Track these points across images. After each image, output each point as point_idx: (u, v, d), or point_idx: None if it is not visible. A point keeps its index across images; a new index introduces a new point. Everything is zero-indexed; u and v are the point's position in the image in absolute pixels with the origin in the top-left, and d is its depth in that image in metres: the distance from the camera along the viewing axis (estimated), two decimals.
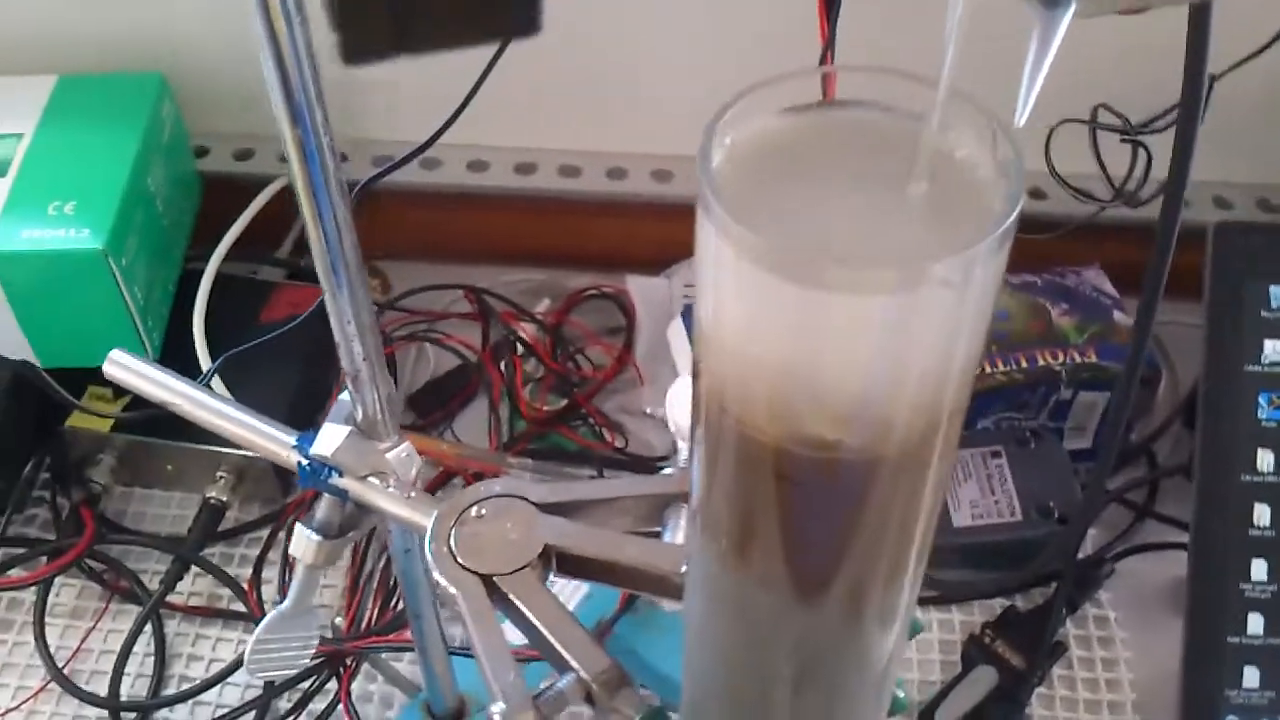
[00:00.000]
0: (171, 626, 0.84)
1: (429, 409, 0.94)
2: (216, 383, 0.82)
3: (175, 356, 0.87)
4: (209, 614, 0.84)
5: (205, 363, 0.84)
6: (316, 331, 0.96)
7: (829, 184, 0.31)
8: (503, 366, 0.93)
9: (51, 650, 0.82)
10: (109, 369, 0.60)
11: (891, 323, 0.30)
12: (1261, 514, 0.72)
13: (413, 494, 0.54)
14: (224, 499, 0.86)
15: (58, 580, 0.85)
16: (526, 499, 0.53)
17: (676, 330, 0.92)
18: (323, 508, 0.56)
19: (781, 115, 0.32)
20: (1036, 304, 0.89)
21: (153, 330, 0.86)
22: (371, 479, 0.55)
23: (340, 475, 0.55)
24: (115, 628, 0.84)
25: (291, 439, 0.56)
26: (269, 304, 0.95)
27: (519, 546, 0.51)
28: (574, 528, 0.52)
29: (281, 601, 0.61)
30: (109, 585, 0.85)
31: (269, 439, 0.57)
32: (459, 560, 0.51)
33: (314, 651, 0.63)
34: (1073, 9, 0.30)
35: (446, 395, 0.94)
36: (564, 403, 0.92)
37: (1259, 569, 0.72)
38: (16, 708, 0.80)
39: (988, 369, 0.85)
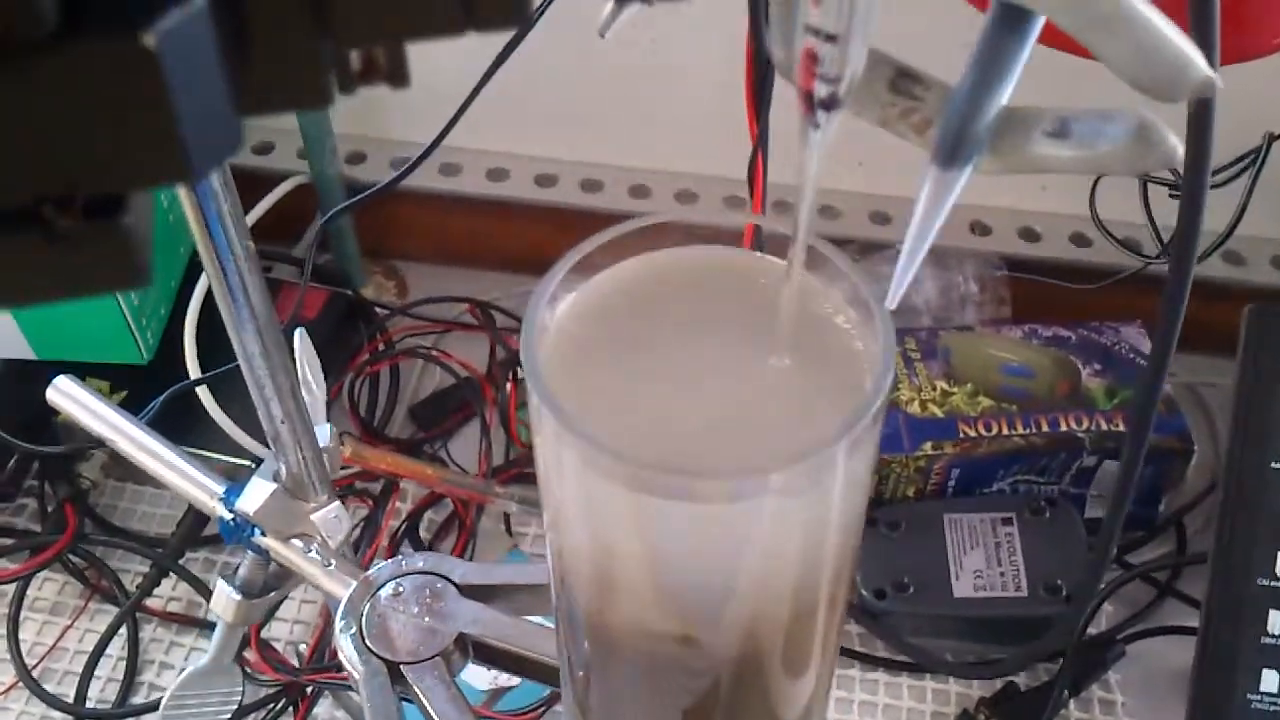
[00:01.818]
0: (148, 631, 0.83)
1: (430, 422, 0.91)
2: (205, 393, 0.81)
3: (171, 358, 0.86)
4: (185, 621, 0.83)
5: (193, 367, 0.82)
6: (324, 336, 0.95)
7: (683, 351, 0.28)
8: (504, 385, 0.90)
9: (28, 646, 0.81)
10: (52, 395, 0.59)
11: (730, 532, 0.26)
12: (1277, 622, 0.66)
13: (332, 563, 0.51)
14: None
15: (41, 575, 0.84)
16: (449, 579, 0.50)
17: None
18: (246, 565, 0.54)
19: (634, 264, 0.28)
20: (1066, 361, 0.84)
21: (147, 329, 0.84)
22: (295, 540, 0.52)
23: (264, 534, 0.52)
24: (93, 628, 0.83)
25: (220, 489, 0.54)
26: (276, 304, 0.93)
27: (431, 633, 0.48)
28: (493, 616, 0.49)
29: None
30: (90, 584, 0.84)
31: (198, 486, 0.55)
32: (367, 643, 0.48)
33: (235, 709, 0.61)
34: (968, 172, 0.26)
35: (448, 410, 0.91)
36: None
37: (1270, 680, 0.66)
38: None
39: (1005, 430, 0.80)
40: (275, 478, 0.52)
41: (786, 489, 0.24)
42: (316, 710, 0.77)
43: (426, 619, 0.49)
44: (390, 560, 0.51)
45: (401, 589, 0.50)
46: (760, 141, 0.36)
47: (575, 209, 0.95)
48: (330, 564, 0.51)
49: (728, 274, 0.29)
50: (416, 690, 0.47)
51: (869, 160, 0.90)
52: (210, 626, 0.83)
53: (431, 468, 0.82)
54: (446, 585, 0.50)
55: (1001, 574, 0.78)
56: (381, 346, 0.93)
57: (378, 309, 0.96)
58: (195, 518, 0.84)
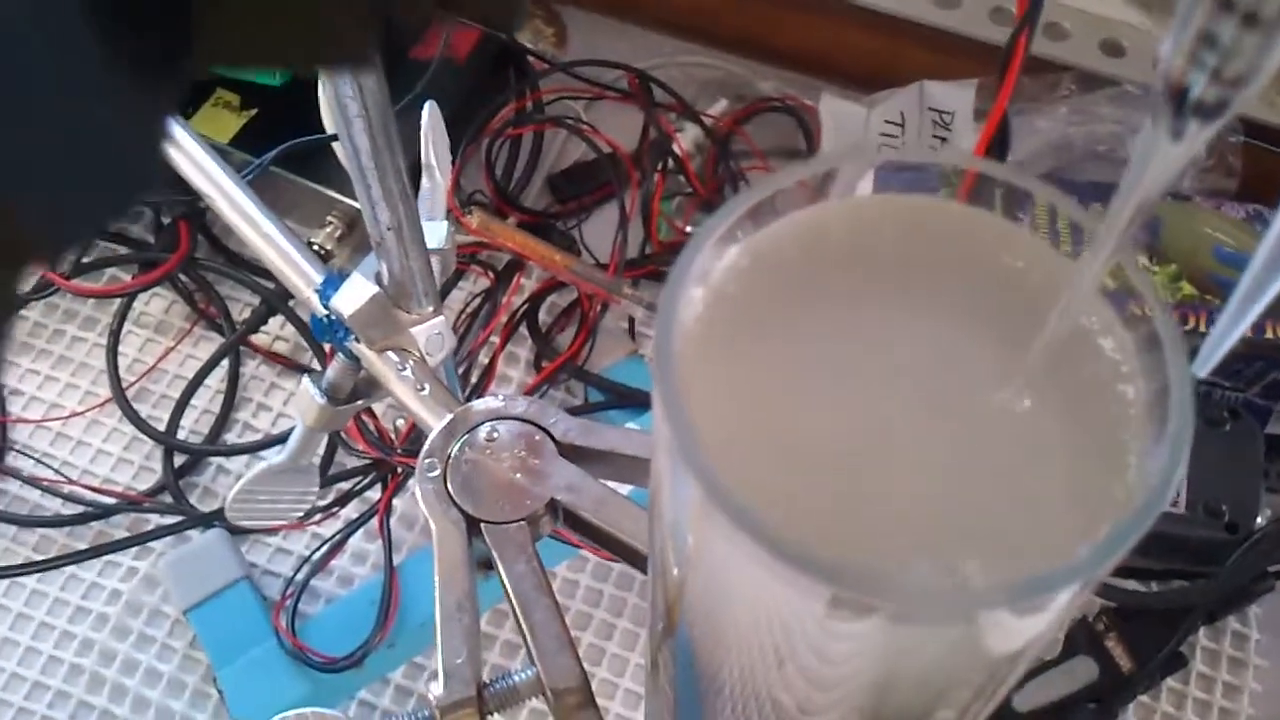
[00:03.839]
0: (249, 368, 0.80)
1: (568, 196, 0.84)
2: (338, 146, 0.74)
3: (305, 87, 0.79)
4: (288, 365, 0.80)
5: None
6: (470, 82, 0.87)
7: (877, 357, 0.20)
8: (650, 174, 0.82)
9: (127, 363, 0.79)
10: None
11: (893, 647, 0.19)
12: None
13: (427, 388, 0.46)
14: (329, 248, 0.80)
15: (148, 292, 0.81)
16: (549, 433, 0.44)
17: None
18: (335, 368, 0.49)
19: (832, 211, 0.21)
20: None
21: None
22: (390, 353, 0.47)
23: (358, 340, 0.47)
24: (195, 354, 0.81)
25: (319, 278, 0.48)
26: (424, 38, 0.85)
27: (521, 493, 0.43)
28: (593, 486, 0.43)
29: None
30: (197, 308, 0.81)
31: (295, 270, 0.49)
32: (449, 490, 0.43)
33: (308, 509, 0.57)
34: None
35: (589, 186, 0.84)
36: None
37: None
38: (82, 413, 0.78)
39: (1202, 326, 0.70)
40: (378, 280, 0.46)
41: (995, 620, 0.17)
42: (411, 483, 0.74)
43: (518, 475, 0.43)
44: (490, 397, 0.45)
45: (496, 435, 0.44)
46: (1029, 17, 0.27)
47: None
48: (424, 388, 0.46)
49: (959, 244, 0.21)
50: (494, 554, 0.42)
51: None
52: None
53: (560, 254, 0.75)
54: (545, 440, 0.44)
55: None
56: (529, 106, 0.85)
57: (531, 58, 0.87)
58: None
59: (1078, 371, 0.20)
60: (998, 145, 0.48)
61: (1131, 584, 0.73)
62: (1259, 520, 0.70)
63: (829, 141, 0.84)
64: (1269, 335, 0.70)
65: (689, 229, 0.82)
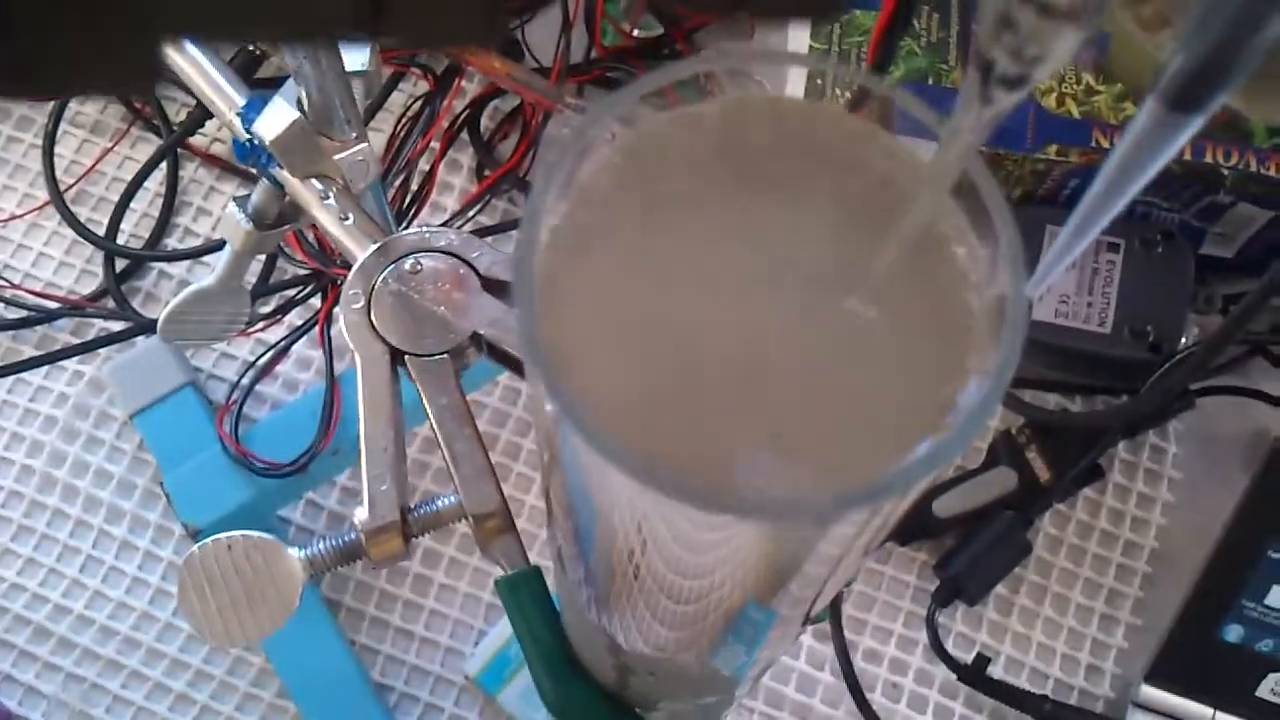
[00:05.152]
0: (188, 171, 0.79)
1: None
2: None
3: None
4: (227, 168, 0.79)
5: None
6: None
7: (740, 254, 0.20)
8: None
9: (64, 164, 0.78)
10: None
11: (719, 540, 0.20)
12: None
13: (350, 217, 0.46)
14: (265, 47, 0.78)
15: None
16: (473, 267, 0.45)
17: None
18: (259, 192, 0.49)
19: (688, 115, 0.21)
20: None
21: None
22: (314, 181, 0.47)
23: (280, 166, 0.47)
24: (133, 155, 0.80)
25: (240, 100, 0.48)
26: None
27: (444, 326, 0.44)
28: (514, 320, 0.44)
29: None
30: (133, 108, 0.80)
31: (216, 91, 0.48)
32: (373, 321, 0.44)
33: (240, 329, 0.57)
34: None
35: None
36: (658, 32, 0.80)
37: None
38: (21, 216, 0.77)
39: None
40: (299, 105, 0.46)
41: (807, 524, 0.18)
42: (335, 310, 0.75)
43: (441, 309, 0.44)
44: (414, 230, 0.45)
45: (420, 267, 0.45)
46: None
47: None
48: (348, 218, 0.46)
49: (839, 148, 0.21)
50: (418, 386, 0.43)
51: None
52: (253, 178, 0.79)
53: (500, 60, 0.74)
54: (469, 274, 0.45)
55: (1089, 304, 0.71)
56: None
57: None
58: (246, 60, 0.78)
59: (928, 279, 0.20)
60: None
61: (1054, 398, 0.76)
62: (1184, 342, 0.72)
63: None
64: (1207, 159, 0.70)
65: (635, 33, 0.80)
